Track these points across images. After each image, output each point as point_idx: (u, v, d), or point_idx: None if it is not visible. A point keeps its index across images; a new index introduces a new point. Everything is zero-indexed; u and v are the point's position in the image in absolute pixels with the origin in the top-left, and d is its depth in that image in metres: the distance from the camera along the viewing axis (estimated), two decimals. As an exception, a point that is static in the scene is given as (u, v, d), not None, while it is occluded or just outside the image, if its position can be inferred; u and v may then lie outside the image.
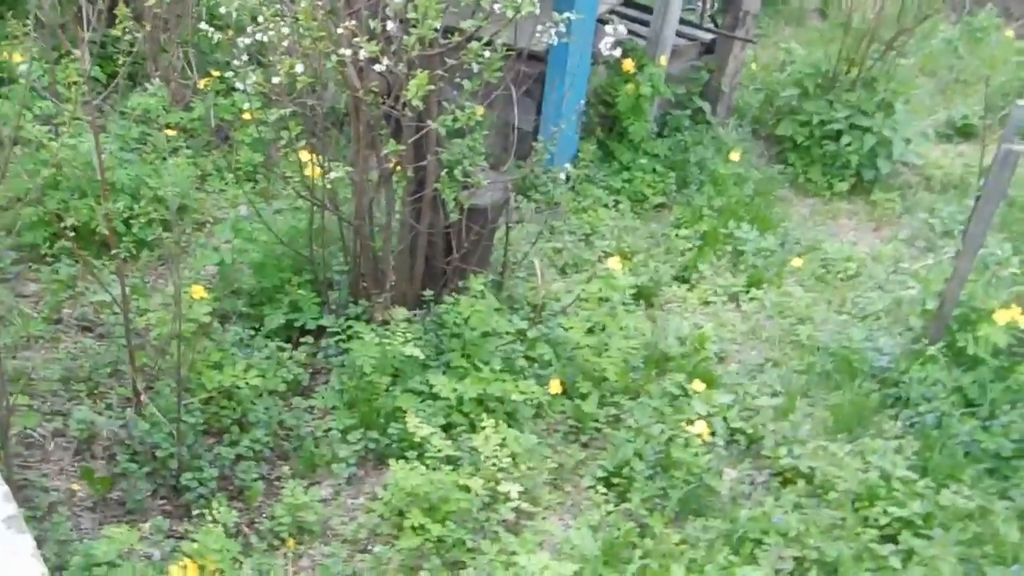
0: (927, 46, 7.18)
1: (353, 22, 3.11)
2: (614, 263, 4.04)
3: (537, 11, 3.19)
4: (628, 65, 5.19)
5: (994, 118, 6.23)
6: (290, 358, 3.49)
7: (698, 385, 3.59)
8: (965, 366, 3.73)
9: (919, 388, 3.71)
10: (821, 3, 8.20)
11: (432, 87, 3.06)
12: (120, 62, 3.67)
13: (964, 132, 6.45)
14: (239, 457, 3.14)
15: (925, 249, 5.11)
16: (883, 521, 3.13)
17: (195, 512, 2.94)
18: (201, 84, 4.62)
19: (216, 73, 4.58)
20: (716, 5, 6.42)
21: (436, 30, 3.08)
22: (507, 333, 3.63)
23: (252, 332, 3.60)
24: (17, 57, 4.58)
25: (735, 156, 5.37)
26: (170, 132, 4.62)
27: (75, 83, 3.66)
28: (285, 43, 3.09)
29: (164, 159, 4.37)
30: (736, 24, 5.70)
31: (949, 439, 3.51)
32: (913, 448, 3.47)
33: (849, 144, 5.54)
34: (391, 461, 3.06)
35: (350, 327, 3.52)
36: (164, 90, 4.78)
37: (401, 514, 2.95)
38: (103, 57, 4.88)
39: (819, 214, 5.48)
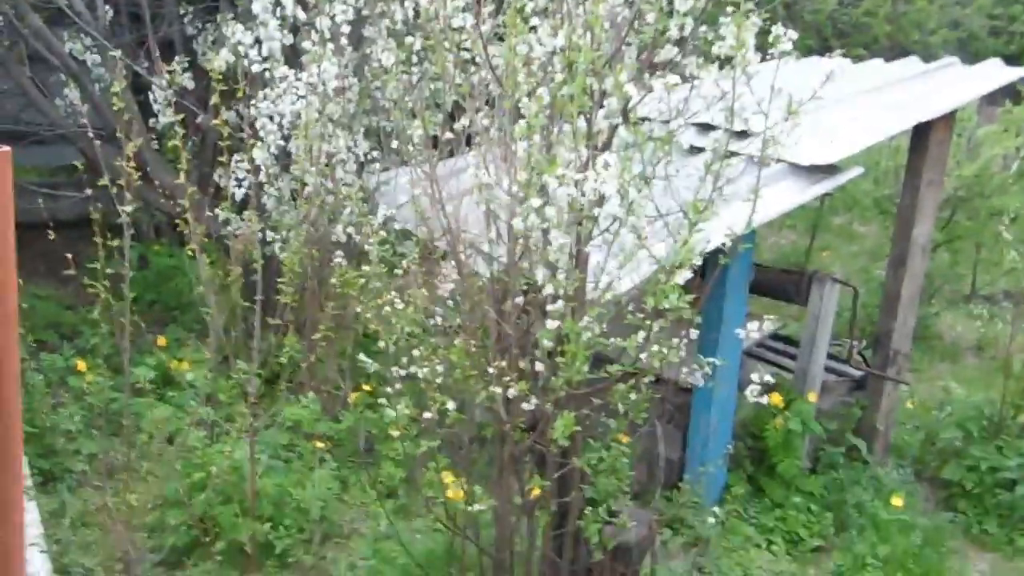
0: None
1: (503, 362, 3.19)
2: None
3: (683, 354, 3.21)
4: (776, 399, 5.07)
5: None
6: None
7: None
8: None
9: None
10: (977, 341, 7.98)
11: (578, 428, 3.03)
12: (280, 381, 3.96)
13: None
14: None
15: None
16: None
17: None
18: (351, 397, 4.81)
19: (367, 387, 4.77)
20: (864, 342, 6.32)
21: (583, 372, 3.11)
22: None
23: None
24: (184, 365, 4.97)
25: (898, 501, 4.95)
26: (319, 445, 4.75)
27: (241, 394, 3.90)
28: (439, 380, 3.19)
29: (311, 470, 4.44)
30: (887, 363, 5.56)
31: None
32: None
33: (1027, 496, 5.04)
34: None
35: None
36: (317, 403, 4.99)
37: None
38: (261, 364, 5.21)
39: (1002, 572, 4.86)
